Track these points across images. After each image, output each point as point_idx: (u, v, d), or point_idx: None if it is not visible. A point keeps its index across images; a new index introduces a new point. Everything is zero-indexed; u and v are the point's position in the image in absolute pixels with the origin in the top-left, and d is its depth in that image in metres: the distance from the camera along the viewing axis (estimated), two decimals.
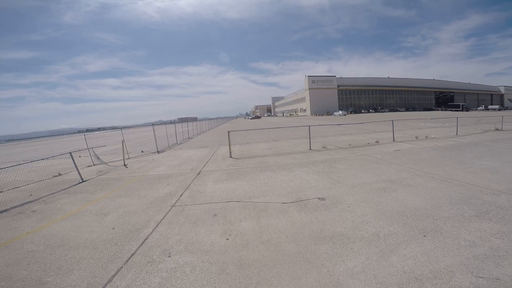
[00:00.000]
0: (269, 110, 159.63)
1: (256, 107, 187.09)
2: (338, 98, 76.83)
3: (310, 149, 10.72)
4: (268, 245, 3.40)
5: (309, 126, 11.93)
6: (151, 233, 4.01)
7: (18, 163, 10.17)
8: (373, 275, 2.64)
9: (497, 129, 15.17)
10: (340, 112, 61.55)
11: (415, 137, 12.93)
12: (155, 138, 14.83)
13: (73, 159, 8.49)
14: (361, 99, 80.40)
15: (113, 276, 2.98)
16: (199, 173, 7.77)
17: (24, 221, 5.03)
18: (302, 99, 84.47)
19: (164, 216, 4.64)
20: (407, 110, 74.40)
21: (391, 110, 72.37)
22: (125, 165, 10.24)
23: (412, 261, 2.84)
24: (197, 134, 24.95)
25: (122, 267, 3.15)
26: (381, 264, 2.81)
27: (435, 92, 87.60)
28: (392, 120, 13.67)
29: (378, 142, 11.79)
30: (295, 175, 6.83)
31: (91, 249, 3.66)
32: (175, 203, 5.27)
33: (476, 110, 62.93)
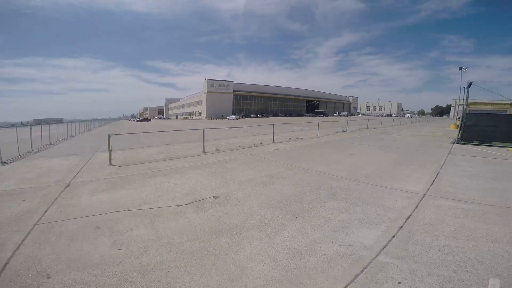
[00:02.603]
0: (161, 112, 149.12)
1: (146, 109, 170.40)
2: (233, 102, 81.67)
3: (204, 151, 11.06)
4: (169, 247, 3.43)
5: (203, 129, 12.28)
6: (11, 256, 3.31)
7: None
8: (267, 256, 3.20)
9: (344, 131, 20.78)
10: (233, 116, 65.89)
11: (289, 138, 15.81)
12: None
13: None
14: (251, 104, 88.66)
15: None
16: (68, 185, 6.44)
17: None
18: (199, 102, 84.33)
19: (26, 236, 3.87)
20: (285, 115, 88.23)
21: (274, 115, 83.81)
22: None
23: (291, 239, 3.56)
24: (64, 139, 19.87)
25: None
26: (270, 245, 3.43)
27: (307, 100, 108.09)
28: (273, 124, 16.19)
29: (261, 143, 13.62)
30: (189, 177, 6.96)
31: None
32: (38, 221, 4.40)
33: (332, 115, 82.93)
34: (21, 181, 7.09)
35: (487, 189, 5.43)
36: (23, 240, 3.72)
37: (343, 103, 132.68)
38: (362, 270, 2.89)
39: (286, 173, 7.21)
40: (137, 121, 76.83)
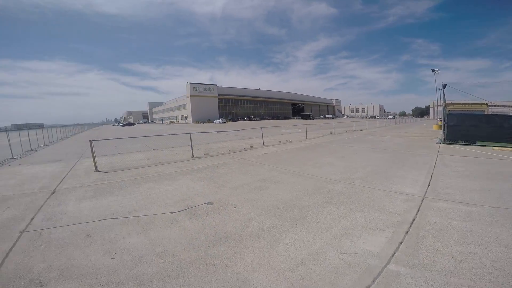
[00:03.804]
0: (145, 117, 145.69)
1: (129, 113, 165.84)
2: (219, 106, 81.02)
3: (193, 156, 10.66)
4: (165, 256, 3.20)
5: (190, 133, 11.88)
6: (1, 264, 3.23)
7: None
8: (270, 266, 2.96)
9: (332, 133, 20.88)
10: (220, 119, 65.30)
11: (279, 141, 15.62)
12: None
13: None
14: (238, 108, 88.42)
15: None
16: (53, 192, 6.11)
17: None
18: (183, 106, 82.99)
19: (14, 244, 3.73)
20: (272, 118, 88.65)
21: (261, 119, 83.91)
22: None
23: (293, 248, 3.35)
24: (45, 145, 18.86)
25: None
26: (272, 255, 3.19)
27: (292, 103, 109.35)
28: (261, 128, 15.95)
29: (252, 147, 13.35)
30: (180, 183, 6.60)
31: None
32: (25, 228, 4.27)
33: (318, 118, 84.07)
34: (3, 187, 6.79)
35: (484, 190, 5.41)
36: (11, 248, 3.62)
37: (327, 105, 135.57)
38: (373, 281, 2.69)
39: (280, 177, 6.97)
40: (122, 125, 74.52)
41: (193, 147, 11.37)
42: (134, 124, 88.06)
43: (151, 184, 6.57)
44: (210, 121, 70.55)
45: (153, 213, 4.65)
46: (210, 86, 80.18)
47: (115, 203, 5.25)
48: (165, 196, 5.56)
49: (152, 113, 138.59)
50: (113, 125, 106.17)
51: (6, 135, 13.84)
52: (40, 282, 2.84)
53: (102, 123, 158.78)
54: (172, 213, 4.63)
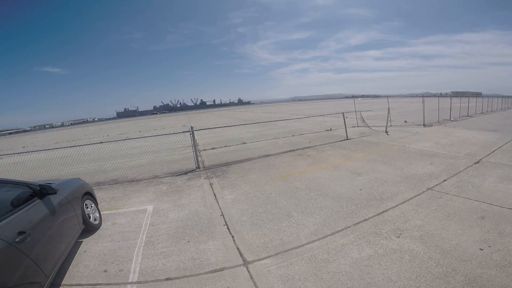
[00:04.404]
0: None
1: None
2: None
3: None
4: None
5: None
6: (393, 207, 3.83)
7: (304, 116, 16.20)
8: None
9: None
10: None
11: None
12: (423, 110, 12.52)
13: (344, 119, 10.01)
14: None
15: (337, 232, 3.26)
16: (477, 162, 5.74)
17: (301, 162, 6.87)
18: None
19: (415, 196, 4.16)
20: None
21: None
22: (386, 131, 10.30)
23: None
24: (482, 113, 18.09)
25: (349, 227, 3.38)
26: None
27: None
28: None
29: None
30: None
31: (335, 201, 4.20)
32: (433, 186, 4.50)
33: None
34: (434, 144, 7.69)
35: None
36: (411, 198, 4.05)
37: None
38: None
39: None
40: None
41: None
42: None
43: None
44: None
45: None
46: None
47: None
48: None
49: None
50: None
51: (449, 100, 15.60)
52: (399, 234, 3.06)
53: None
54: None
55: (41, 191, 2.86)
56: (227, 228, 3.65)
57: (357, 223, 3.47)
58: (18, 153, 8.23)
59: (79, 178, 4.31)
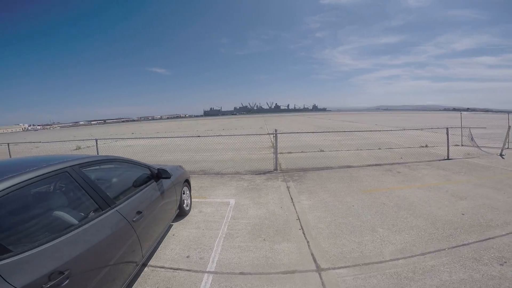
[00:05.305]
0: None
1: None
2: None
3: None
4: None
5: None
6: (501, 235, 3.32)
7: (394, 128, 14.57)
8: None
9: None
10: None
11: None
12: None
13: (447, 134, 8.63)
14: None
15: (428, 253, 3.00)
16: None
17: (389, 178, 6.25)
18: None
19: None
20: None
21: None
22: (501, 155, 8.71)
23: None
24: None
25: (443, 249, 3.07)
26: None
27: None
28: None
29: None
30: None
31: (429, 223, 3.81)
32: None
33: None
34: None
35: None
36: None
37: None
38: None
39: None
40: None
41: None
42: None
43: None
44: None
45: None
46: None
47: None
48: None
49: None
50: None
51: None
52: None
53: None
54: None
55: (158, 175, 3.13)
56: (303, 232, 3.66)
57: (454, 247, 3.11)
58: (130, 138, 10.38)
59: (181, 166, 4.65)
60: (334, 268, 2.80)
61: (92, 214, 1.99)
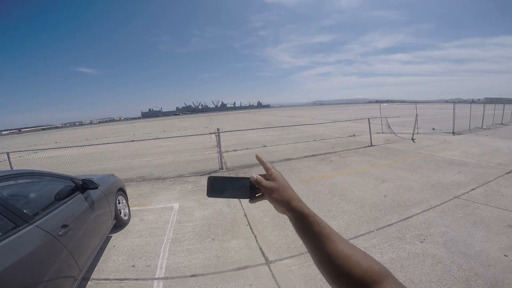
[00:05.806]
0: None
1: None
2: None
3: None
4: None
5: None
6: (417, 214, 3.82)
7: (326, 121, 16.81)
8: None
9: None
10: None
11: None
12: (454, 118, 11.80)
13: (369, 124, 9.92)
14: None
15: (360, 236, 3.32)
16: (509, 172, 5.63)
17: (324, 167, 6.88)
18: None
19: (441, 203, 4.12)
20: None
21: None
22: (412, 139, 10.15)
23: None
24: None
25: (372, 231, 3.41)
26: None
27: None
28: None
29: None
30: None
31: (358, 206, 4.20)
32: (460, 195, 4.46)
33: None
34: (463, 153, 7.55)
35: None
36: (436, 206, 4.01)
37: None
38: None
39: None
40: None
41: None
42: None
43: None
44: None
45: None
46: None
47: None
48: None
49: None
50: None
51: (482, 106, 14.69)
52: (423, 239, 3.02)
53: None
54: None
55: (83, 186, 2.96)
56: (250, 228, 3.77)
57: (381, 228, 3.50)
58: (52, 148, 8.96)
59: (113, 175, 4.44)
60: (281, 259, 2.96)
61: (8, 232, 1.85)
